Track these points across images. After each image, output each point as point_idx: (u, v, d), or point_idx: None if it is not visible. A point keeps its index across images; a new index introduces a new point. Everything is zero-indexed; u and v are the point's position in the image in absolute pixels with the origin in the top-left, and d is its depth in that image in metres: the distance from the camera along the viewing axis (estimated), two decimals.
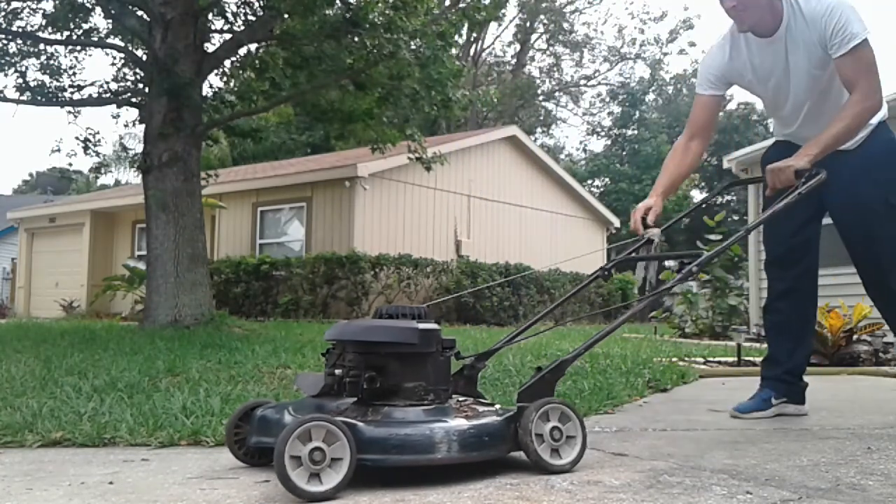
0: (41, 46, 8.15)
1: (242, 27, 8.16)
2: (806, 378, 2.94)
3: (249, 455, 1.96)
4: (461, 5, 8.66)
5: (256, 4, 8.15)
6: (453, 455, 1.74)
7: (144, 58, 7.89)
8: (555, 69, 34.14)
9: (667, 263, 8.82)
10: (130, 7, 7.60)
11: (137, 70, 8.36)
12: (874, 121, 2.65)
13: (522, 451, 1.84)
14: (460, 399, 2.10)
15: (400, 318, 1.94)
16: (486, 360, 2.28)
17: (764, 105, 2.97)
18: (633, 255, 2.57)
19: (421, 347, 1.89)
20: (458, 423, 1.80)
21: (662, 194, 2.69)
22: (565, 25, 32.50)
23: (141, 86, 8.27)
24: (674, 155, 2.82)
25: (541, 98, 34.03)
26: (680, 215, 3.18)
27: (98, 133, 8.45)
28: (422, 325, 1.91)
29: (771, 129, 2.75)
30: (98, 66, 47.65)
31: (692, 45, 32.16)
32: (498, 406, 2.08)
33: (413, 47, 7.74)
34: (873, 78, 2.48)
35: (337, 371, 1.88)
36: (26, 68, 8.06)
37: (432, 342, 1.92)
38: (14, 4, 7.87)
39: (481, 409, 2.01)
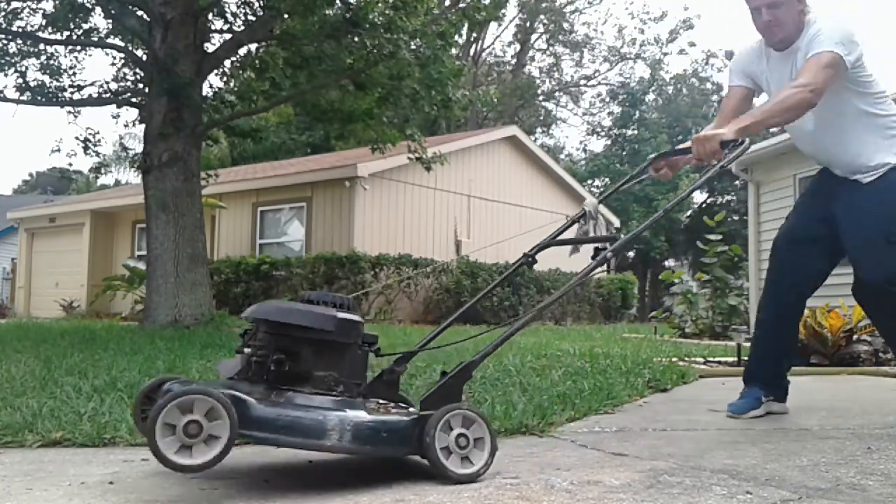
0: (41, 46, 8.15)
1: (242, 27, 8.17)
2: (806, 378, 2.95)
3: None
4: (461, 5, 8.66)
5: (256, 4, 8.15)
6: (344, 444, 1.68)
7: (144, 58, 7.90)
8: (555, 69, 34.15)
9: (667, 263, 8.83)
10: (130, 7, 7.60)
11: (137, 70, 8.36)
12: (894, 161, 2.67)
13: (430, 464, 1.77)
14: (380, 401, 2.02)
15: (321, 304, 1.87)
16: (406, 364, 2.20)
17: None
18: (558, 238, 2.52)
19: (337, 336, 1.82)
20: (357, 414, 1.74)
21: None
22: (565, 25, 32.50)
23: (141, 86, 8.28)
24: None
25: (541, 98, 34.03)
26: (616, 186, 3.01)
27: (98, 133, 8.47)
28: (341, 315, 1.84)
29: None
30: (98, 66, 47.64)
31: (692, 45, 32.22)
32: (412, 409, 2.00)
33: (413, 47, 7.74)
34: (820, 75, 2.50)
35: (246, 350, 1.82)
36: (26, 68, 8.08)
37: (350, 333, 1.85)
38: (14, 4, 7.87)
39: (394, 409, 1.95)
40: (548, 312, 14.07)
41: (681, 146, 2.87)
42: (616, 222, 18.99)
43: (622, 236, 2.34)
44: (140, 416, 1.94)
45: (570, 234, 2.54)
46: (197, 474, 1.91)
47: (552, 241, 2.51)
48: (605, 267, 18.67)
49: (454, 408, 1.81)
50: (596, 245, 2.31)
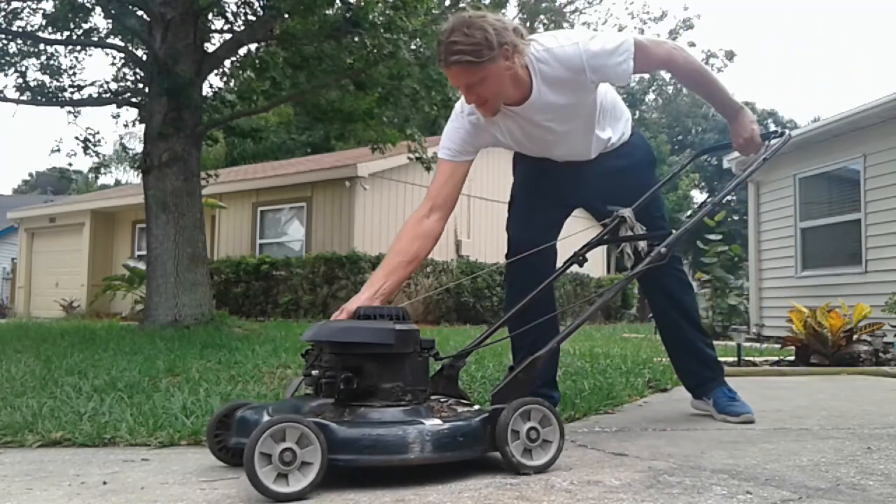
0: (41, 46, 8.15)
1: (242, 27, 8.16)
2: (806, 378, 2.94)
3: (231, 455, 1.96)
4: (461, 5, 8.66)
5: (256, 4, 8.14)
6: (426, 455, 1.73)
7: (144, 58, 7.90)
8: None
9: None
10: (130, 7, 7.60)
11: (137, 70, 8.36)
12: (629, 130, 2.67)
13: (499, 452, 1.83)
14: (441, 399, 2.09)
15: (377, 318, 1.93)
16: (465, 359, 2.28)
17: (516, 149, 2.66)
18: (606, 238, 2.53)
19: (398, 348, 1.88)
20: (433, 423, 1.79)
21: (386, 294, 2.17)
22: (565, 25, 32.50)
23: (141, 86, 8.28)
24: (411, 239, 2.31)
25: None
26: (659, 185, 2.87)
27: (98, 133, 8.47)
28: (399, 326, 1.90)
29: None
30: (98, 66, 47.65)
31: (692, 45, 32.11)
32: (477, 406, 2.08)
33: (413, 47, 7.74)
34: (662, 49, 2.43)
35: (314, 372, 1.88)
36: (26, 68, 8.08)
37: (409, 343, 1.91)
38: (14, 4, 7.88)
39: (460, 409, 2.01)
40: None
41: (723, 143, 2.84)
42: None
43: (674, 231, 2.37)
44: (215, 444, 1.99)
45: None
46: (189, 469, 1.91)
47: (602, 241, 2.54)
48: (603, 260, 18.69)
49: (535, 401, 1.88)
50: (649, 243, 2.34)
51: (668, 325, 2.82)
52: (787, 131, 2.55)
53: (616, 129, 2.62)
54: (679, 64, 2.46)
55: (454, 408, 2.02)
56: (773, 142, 2.50)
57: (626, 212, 2.46)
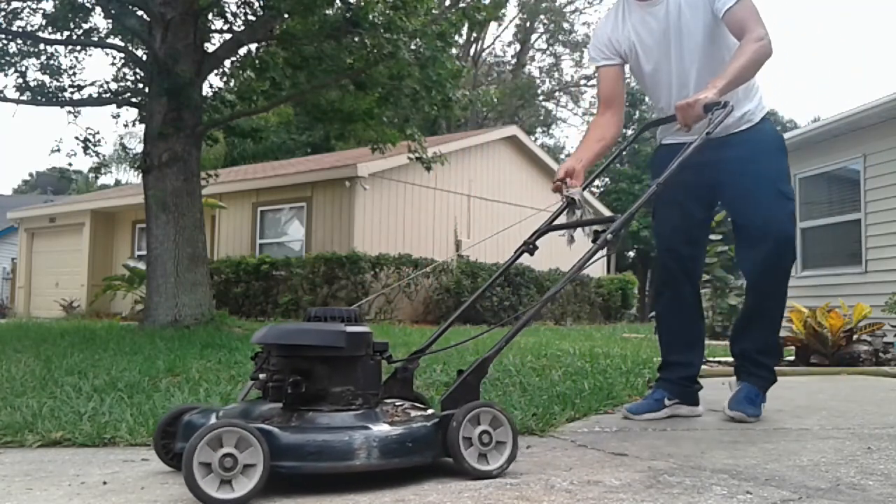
0: (41, 46, 8.15)
1: (242, 27, 8.17)
2: (806, 378, 2.94)
3: (177, 461, 1.87)
4: (461, 5, 8.66)
5: (256, 4, 8.15)
6: (373, 462, 1.69)
7: (144, 58, 7.90)
8: (555, 69, 34.16)
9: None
10: (130, 7, 7.60)
11: (137, 70, 8.37)
12: (758, 116, 2.70)
13: (451, 458, 1.78)
14: (396, 403, 2.02)
15: (328, 320, 1.87)
16: (418, 360, 2.20)
17: (644, 88, 2.90)
18: (555, 223, 2.49)
19: (349, 351, 1.82)
20: (381, 428, 1.75)
21: (586, 163, 2.60)
22: (565, 25, 32.51)
23: (141, 86, 8.28)
24: (594, 128, 2.77)
25: (541, 98, 34.03)
26: (600, 169, 3.04)
27: (98, 133, 8.47)
28: (350, 329, 1.84)
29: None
30: (98, 66, 47.67)
31: None
32: (431, 410, 2.02)
33: (413, 47, 7.74)
34: (762, 24, 2.49)
35: (261, 376, 1.82)
36: (26, 68, 8.09)
37: (361, 345, 1.86)
38: (14, 4, 7.88)
39: (414, 413, 1.95)
40: (547, 312, 14.08)
41: (664, 116, 2.77)
42: None
43: (620, 216, 2.25)
44: (161, 449, 1.93)
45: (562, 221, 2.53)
46: None
47: (550, 227, 2.49)
48: (603, 260, 18.68)
49: (467, 409, 1.81)
50: (595, 229, 2.28)
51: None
52: (729, 102, 2.42)
53: (739, 105, 2.61)
54: (752, 49, 2.47)
55: (408, 412, 1.96)
56: (715, 114, 2.40)
57: (576, 193, 2.44)
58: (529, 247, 2.46)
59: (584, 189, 2.50)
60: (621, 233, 2.17)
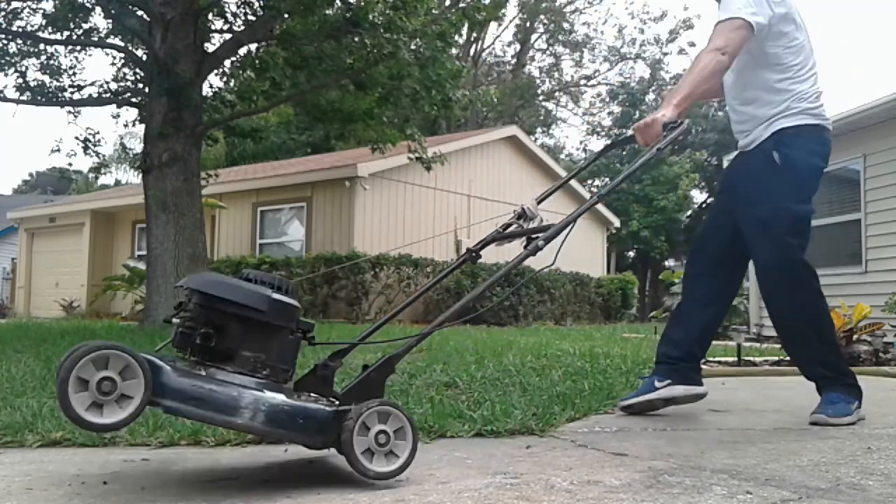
0: (41, 46, 8.15)
1: (242, 27, 8.17)
2: (805, 378, 2.92)
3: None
4: (461, 5, 8.66)
5: (256, 4, 8.15)
6: (256, 424, 1.62)
7: (144, 58, 7.90)
8: (555, 69, 34.15)
9: (667, 263, 8.83)
10: (130, 7, 7.60)
11: (137, 70, 8.37)
12: (763, 136, 2.74)
13: (343, 455, 1.72)
14: (312, 396, 1.91)
15: (258, 283, 1.79)
16: (342, 359, 2.09)
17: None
18: (499, 232, 2.51)
19: (269, 317, 1.74)
20: (275, 396, 1.67)
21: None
22: (565, 25, 32.50)
23: (141, 86, 8.28)
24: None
25: (541, 98, 34.01)
26: (560, 184, 3.15)
27: (98, 133, 8.47)
28: (276, 296, 1.76)
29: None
30: (98, 66, 47.66)
31: (692, 45, 32.08)
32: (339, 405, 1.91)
33: (413, 47, 7.74)
34: (725, 38, 2.57)
35: (175, 320, 1.74)
36: (26, 68, 8.08)
37: (283, 317, 1.78)
38: (14, 4, 7.88)
39: (321, 400, 1.86)
40: (548, 312, 14.08)
41: (625, 136, 2.83)
42: (616, 222, 19.05)
43: (553, 224, 2.29)
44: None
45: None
46: (188, 469, 1.91)
47: (496, 237, 2.52)
48: (604, 260, 18.69)
49: (367, 407, 1.72)
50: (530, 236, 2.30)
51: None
52: (686, 121, 2.47)
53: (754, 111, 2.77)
54: (704, 59, 2.58)
55: (314, 397, 1.87)
56: (672, 131, 2.45)
57: (527, 203, 2.46)
58: (472, 255, 2.48)
59: (538, 202, 2.54)
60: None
